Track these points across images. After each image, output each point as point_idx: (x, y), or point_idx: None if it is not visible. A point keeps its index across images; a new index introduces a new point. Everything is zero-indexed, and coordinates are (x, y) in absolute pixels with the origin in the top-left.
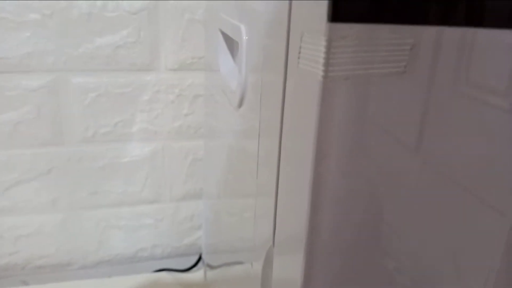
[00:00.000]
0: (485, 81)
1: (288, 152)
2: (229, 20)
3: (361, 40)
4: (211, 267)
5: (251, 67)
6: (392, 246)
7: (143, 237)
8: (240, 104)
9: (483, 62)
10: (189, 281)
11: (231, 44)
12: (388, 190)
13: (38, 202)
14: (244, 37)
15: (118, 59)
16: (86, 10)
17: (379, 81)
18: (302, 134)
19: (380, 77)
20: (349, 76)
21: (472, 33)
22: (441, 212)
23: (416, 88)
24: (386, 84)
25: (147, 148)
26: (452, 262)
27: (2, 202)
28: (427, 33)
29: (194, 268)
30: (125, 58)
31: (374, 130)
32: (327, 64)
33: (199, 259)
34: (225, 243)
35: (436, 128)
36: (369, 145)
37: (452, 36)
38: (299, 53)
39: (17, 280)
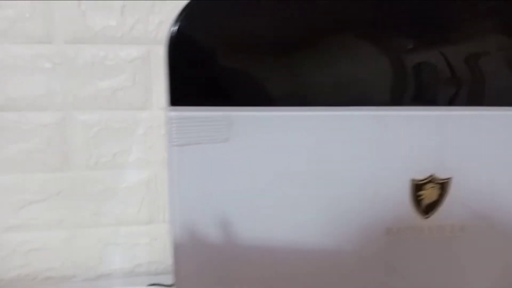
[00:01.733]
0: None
1: None
2: None
3: (193, 118)
4: None
5: None
6: None
7: (139, 254)
8: None
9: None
10: None
11: None
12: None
13: (47, 220)
14: None
15: (117, 100)
16: (90, 60)
17: (208, 148)
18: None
19: (208, 144)
20: (186, 143)
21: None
22: None
23: (237, 152)
24: (213, 150)
25: (142, 175)
26: None
27: (16, 220)
28: (241, 113)
29: None
30: (122, 99)
31: (211, 178)
32: (171, 134)
33: None
34: None
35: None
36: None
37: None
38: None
39: None
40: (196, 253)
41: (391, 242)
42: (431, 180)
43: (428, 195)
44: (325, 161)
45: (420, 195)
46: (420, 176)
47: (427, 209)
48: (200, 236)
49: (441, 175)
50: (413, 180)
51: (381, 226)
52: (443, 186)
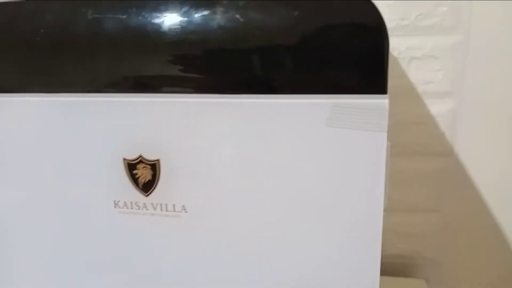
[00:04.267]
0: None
1: None
2: None
3: None
4: None
5: None
6: None
7: None
8: None
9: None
10: None
11: None
12: None
13: None
14: None
15: None
16: None
17: None
18: None
19: None
20: None
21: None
22: None
23: None
24: None
25: None
26: None
27: None
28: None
29: None
30: None
31: None
32: None
33: None
34: None
35: None
36: None
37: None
38: None
39: None
40: None
41: (122, 217)
42: (141, 160)
43: (142, 174)
44: (46, 145)
45: (135, 174)
46: (131, 156)
47: (145, 188)
48: None
49: (150, 156)
50: (125, 159)
51: (107, 199)
52: (154, 166)
